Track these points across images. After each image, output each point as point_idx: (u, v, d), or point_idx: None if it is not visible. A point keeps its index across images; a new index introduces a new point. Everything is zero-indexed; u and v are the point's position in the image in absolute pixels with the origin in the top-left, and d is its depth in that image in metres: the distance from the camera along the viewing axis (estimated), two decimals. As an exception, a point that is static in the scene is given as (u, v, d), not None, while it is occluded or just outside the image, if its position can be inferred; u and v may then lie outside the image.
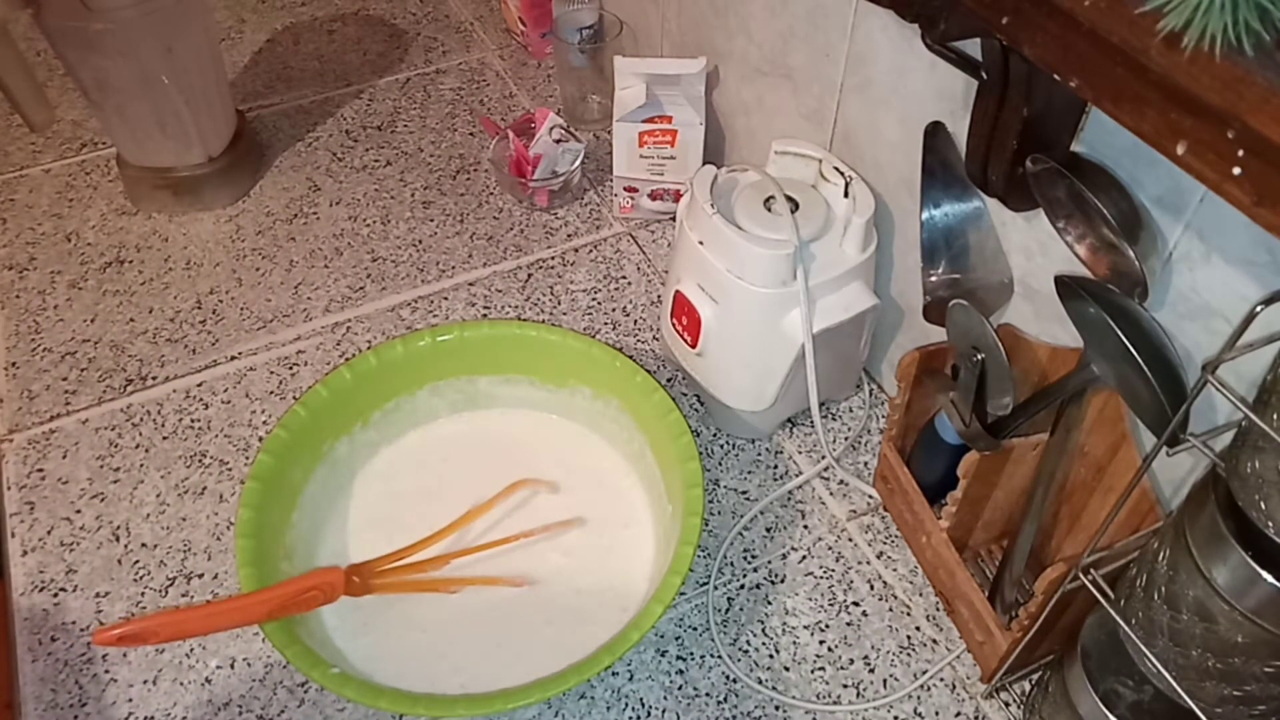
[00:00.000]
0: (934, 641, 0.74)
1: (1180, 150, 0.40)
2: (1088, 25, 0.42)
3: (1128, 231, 0.55)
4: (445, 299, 0.97)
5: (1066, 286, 0.59)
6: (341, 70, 1.26)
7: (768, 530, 0.80)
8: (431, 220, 1.05)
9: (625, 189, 1.03)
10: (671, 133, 0.97)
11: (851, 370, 0.88)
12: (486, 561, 0.75)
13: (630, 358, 0.79)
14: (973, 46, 0.60)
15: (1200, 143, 0.39)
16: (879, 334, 0.88)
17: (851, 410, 0.89)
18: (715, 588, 0.77)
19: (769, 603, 0.76)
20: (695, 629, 0.74)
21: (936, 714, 0.70)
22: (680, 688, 0.71)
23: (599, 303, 0.97)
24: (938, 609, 0.75)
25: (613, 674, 0.72)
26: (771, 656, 0.73)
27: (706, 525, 0.80)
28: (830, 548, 0.79)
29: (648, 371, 0.78)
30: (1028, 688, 0.71)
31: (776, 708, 0.70)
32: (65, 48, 0.95)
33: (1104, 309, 0.56)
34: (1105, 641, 0.58)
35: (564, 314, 0.96)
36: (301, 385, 0.89)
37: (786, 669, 0.72)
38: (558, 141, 1.06)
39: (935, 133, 0.71)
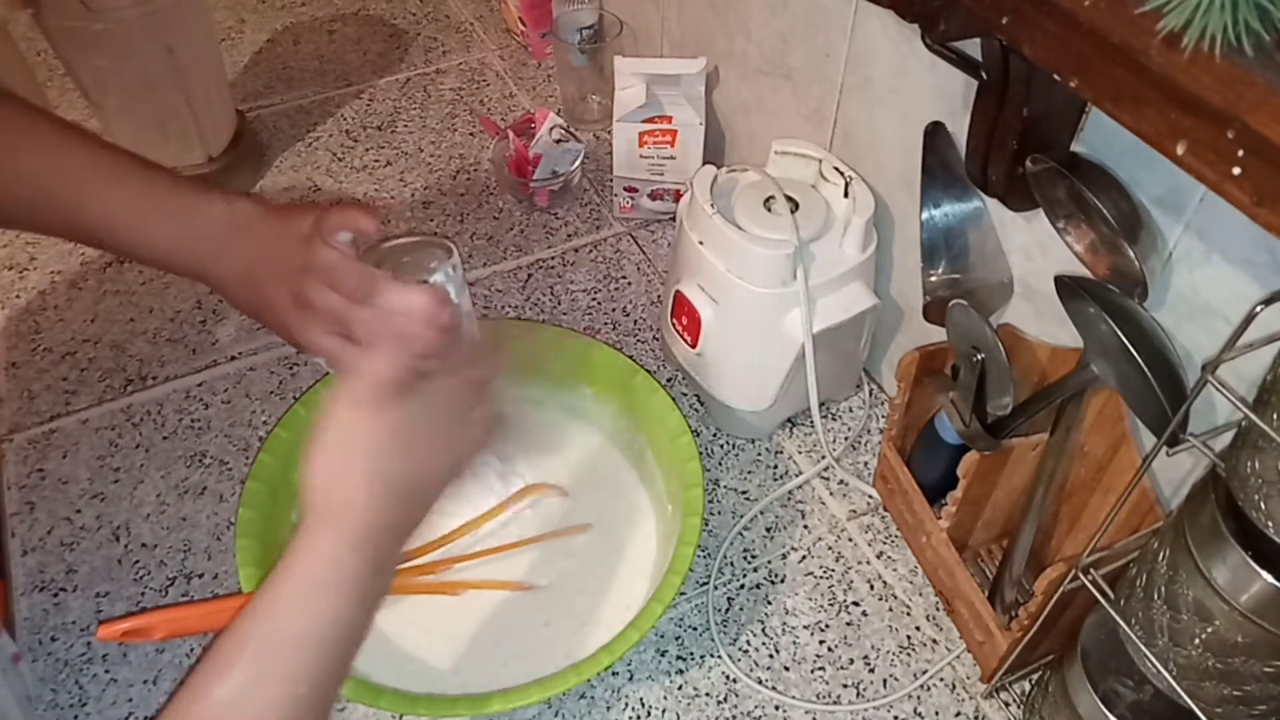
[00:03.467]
0: (934, 641, 0.74)
1: (1180, 150, 0.40)
2: (1087, 25, 0.42)
3: (1128, 231, 0.55)
4: (445, 299, 0.97)
5: (1066, 286, 0.59)
6: (341, 70, 1.25)
7: (768, 530, 0.80)
8: (431, 220, 1.05)
9: (625, 189, 1.03)
10: (671, 133, 0.97)
11: (851, 370, 0.88)
12: (490, 564, 0.75)
13: (630, 358, 0.79)
14: (973, 46, 0.60)
15: (1200, 143, 0.39)
16: (879, 334, 0.88)
17: (851, 410, 0.89)
18: (715, 588, 0.76)
19: (769, 603, 0.76)
20: (695, 629, 0.74)
21: (936, 714, 0.70)
22: (680, 688, 0.71)
23: (599, 303, 0.97)
24: (938, 609, 0.75)
25: (612, 674, 0.72)
26: (771, 656, 0.73)
27: (706, 525, 0.80)
28: (830, 548, 0.79)
29: (648, 371, 0.78)
30: (1028, 688, 0.71)
31: (776, 707, 0.70)
32: (65, 48, 0.95)
33: (1104, 309, 0.56)
34: (1105, 641, 0.58)
35: (564, 314, 0.96)
36: (301, 385, 0.89)
37: (786, 669, 0.72)
38: (558, 141, 1.06)
39: (935, 133, 0.71)
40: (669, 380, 0.90)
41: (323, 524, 0.51)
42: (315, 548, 0.51)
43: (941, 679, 0.72)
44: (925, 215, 0.72)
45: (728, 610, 0.75)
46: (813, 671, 0.72)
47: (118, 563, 0.77)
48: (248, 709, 0.46)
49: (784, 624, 0.74)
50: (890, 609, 0.75)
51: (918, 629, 0.74)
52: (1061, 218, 0.61)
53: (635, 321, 0.96)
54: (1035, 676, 0.71)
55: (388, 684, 0.63)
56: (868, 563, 0.78)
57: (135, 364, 0.91)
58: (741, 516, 0.81)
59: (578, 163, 1.05)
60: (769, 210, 0.77)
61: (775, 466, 0.84)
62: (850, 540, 0.80)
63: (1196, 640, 0.49)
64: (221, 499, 0.81)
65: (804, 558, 0.78)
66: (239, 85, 1.23)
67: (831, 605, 0.75)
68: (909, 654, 0.73)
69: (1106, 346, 0.57)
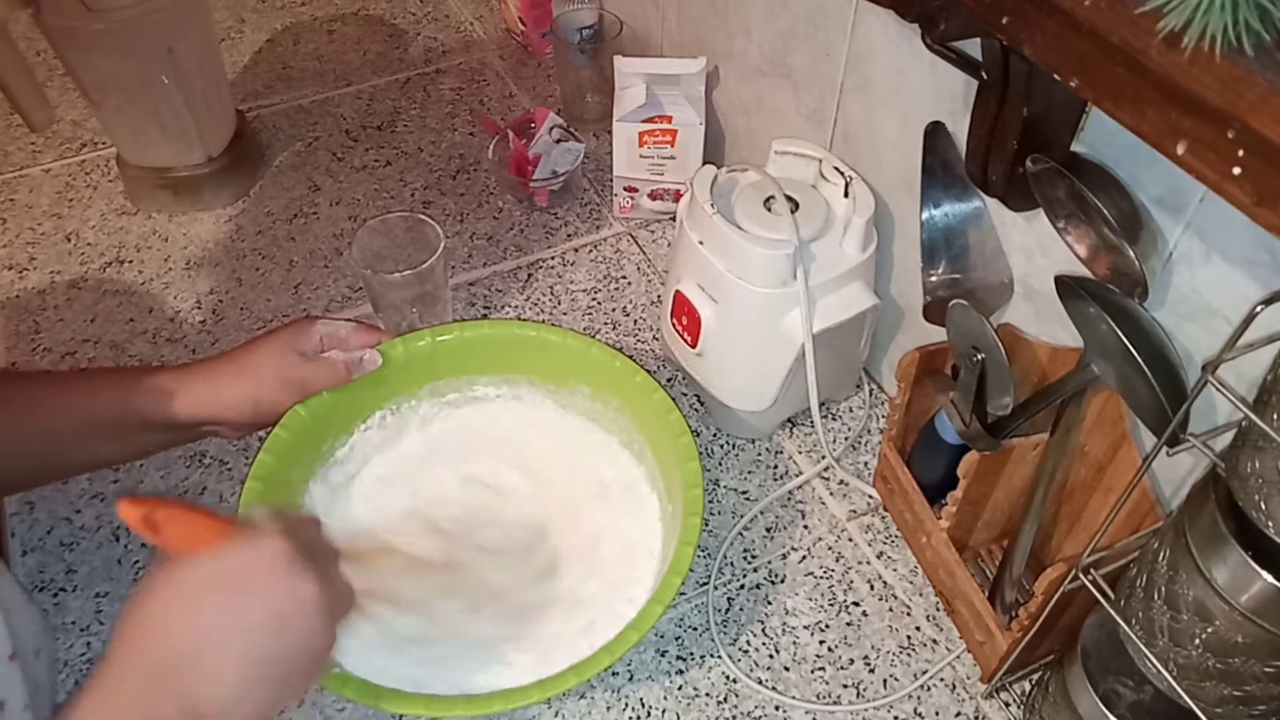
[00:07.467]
0: (934, 641, 0.74)
1: (1180, 150, 0.40)
2: (1088, 25, 0.42)
3: (1128, 231, 0.55)
4: (445, 299, 0.97)
5: (1067, 286, 0.59)
6: (341, 70, 1.25)
7: (768, 530, 0.80)
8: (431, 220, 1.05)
9: (625, 189, 1.03)
10: (671, 133, 0.97)
11: (851, 370, 0.88)
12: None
13: (630, 358, 0.79)
14: (973, 46, 0.60)
15: (1200, 142, 0.39)
16: (879, 334, 0.88)
17: (851, 410, 0.89)
18: (715, 588, 0.76)
19: (769, 603, 0.76)
20: (695, 629, 0.74)
21: (936, 714, 0.70)
22: (680, 688, 0.71)
23: (599, 303, 0.97)
24: (938, 609, 0.75)
25: (613, 674, 0.72)
26: (772, 656, 0.73)
27: (706, 525, 0.80)
28: (830, 548, 0.79)
29: (648, 371, 0.78)
30: (1028, 688, 0.71)
31: (776, 708, 0.70)
32: (65, 48, 0.95)
33: (1104, 309, 0.56)
34: (1105, 641, 0.58)
35: (564, 314, 0.96)
36: (301, 385, 0.89)
37: (786, 669, 0.72)
38: (558, 141, 1.06)
39: (935, 132, 0.71)
40: (669, 380, 0.90)
41: (157, 683, 0.47)
42: (139, 703, 0.47)
43: (942, 679, 0.72)
44: (925, 215, 0.72)
45: (728, 610, 0.75)
46: (813, 672, 0.72)
47: (117, 563, 0.77)
48: None
49: (784, 624, 0.74)
50: (890, 609, 0.75)
51: (918, 629, 0.74)
52: (1061, 218, 0.61)
53: (635, 321, 0.96)
54: (1035, 677, 0.71)
55: (387, 684, 0.63)
56: (868, 563, 0.78)
57: (135, 364, 0.91)
58: (741, 516, 0.81)
59: (578, 162, 1.05)
60: (769, 210, 0.77)
61: (775, 466, 0.84)
62: (850, 540, 0.80)
63: (1197, 640, 0.49)
64: (221, 499, 0.81)
65: (804, 558, 0.78)
66: (239, 85, 1.23)
67: (831, 605, 0.75)
68: (909, 654, 0.73)
69: (1107, 346, 0.57)
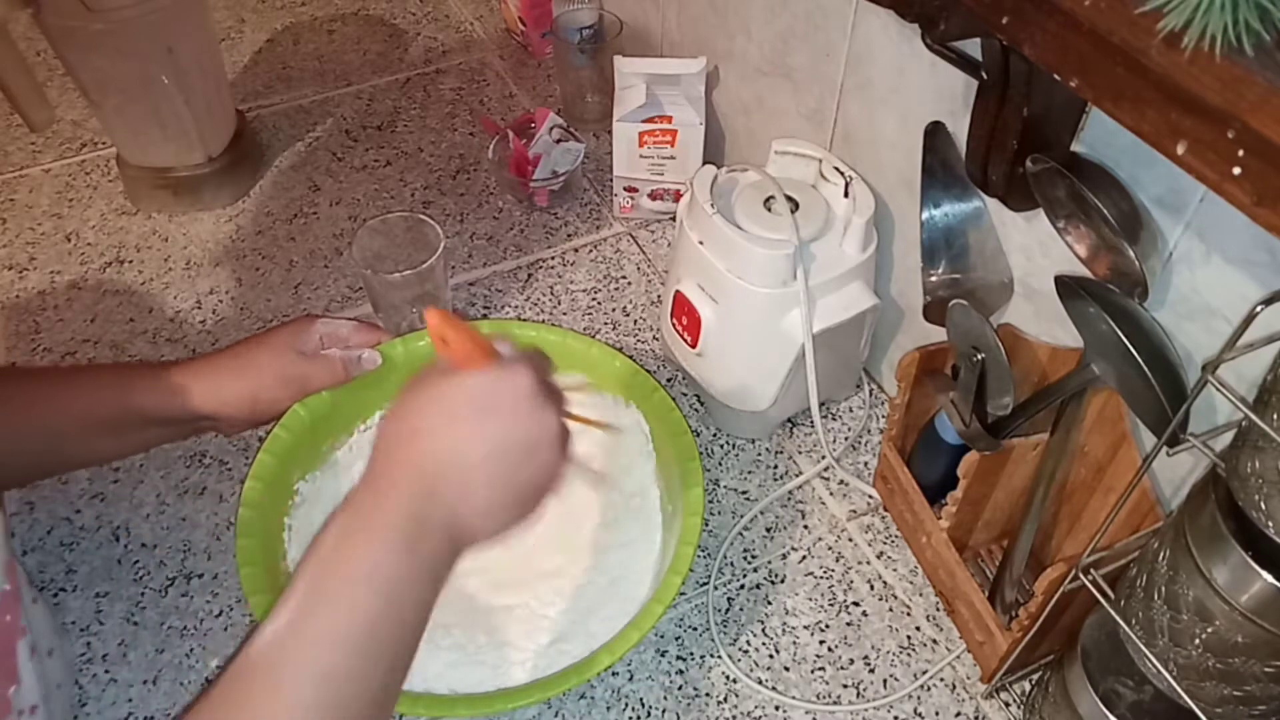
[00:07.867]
0: (934, 641, 0.74)
1: (1180, 150, 0.40)
2: (1088, 25, 0.42)
3: (1128, 231, 0.55)
4: (445, 299, 0.97)
5: (1067, 286, 0.59)
6: (341, 70, 1.25)
7: (768, 530, 0.80)
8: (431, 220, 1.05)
9: (625, 189, 1.03)
10: (671, 133, 0.97)
11: (851, 370, 0.88)
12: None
13: (630, 358, 0.79)
14: (973, 46, 0.60)
15: (1200, 142, 0.39)
16: (879, 334, 0.88)
17: (851, 410, 0.89)
18: (715, 588, 0.76)
19: (769, 603, 0.76)
20: (695, 629, 0.74)
21: (936, 714, 0.70)
22: (680, 688, 0.71)
23: (599, 303, 0.97)
24: (938, 609, 0.75)
25: (613, 674, 0.72)
26: (771, 656, 0.73)
27: (706, 525, 0.80)
28: (830, 548, 0.79)
29: (648, 371, 0.78)
30: (1028, 688, 0.71)
31: (776, 708, 0.70)
32: (65, 48, 0.95)
33: (1104, 309, 0.56)
34: (1105, 641, 0.58)
35: (564, 314, 0.96)
36: (301, 385, 0.89)
37: (786, 669, 0.72)
38: (558, 141, 1.06)
39: (935, 132, 0.71)
40: (669, 380, 0.90)
41: (424, 489, 0.50)
42: (386, 499, 0.49)
43: (941, 679, 0.72)
44: (925, 215, 0.72)
45: (728, 610, 0.75)
46: (813, 672, 0.72)
47: (117, 563, 0.77)
48: (295, 640, 0.46)
49: (784, 624, 0.74)
50: (890, 609, 0.75)
51: (918, 629, 0.74)
52: (1061, 218, 0.61)
53: (635, 321, 0.96)
54: (1035, 677, 0.71)
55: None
56: (868, 563, 0.78)
57: (134, 360, 0.91)
58: (741, 516, 0.81)
59: (578, 162, 1.05)
60: (769, 210, 0.77)
61: (775, 466, 0.84)
62: (850, 540, 0.80)
63: (1197, 640, 0.49)
64: (221, 499, 0.81)
65: (804, 558, 0.78)
66: (239, 85, 1.23)
67: (831, 605, 0.75)
68: (909, 654, 0.73)
69: (1107, 346, 0.57)
